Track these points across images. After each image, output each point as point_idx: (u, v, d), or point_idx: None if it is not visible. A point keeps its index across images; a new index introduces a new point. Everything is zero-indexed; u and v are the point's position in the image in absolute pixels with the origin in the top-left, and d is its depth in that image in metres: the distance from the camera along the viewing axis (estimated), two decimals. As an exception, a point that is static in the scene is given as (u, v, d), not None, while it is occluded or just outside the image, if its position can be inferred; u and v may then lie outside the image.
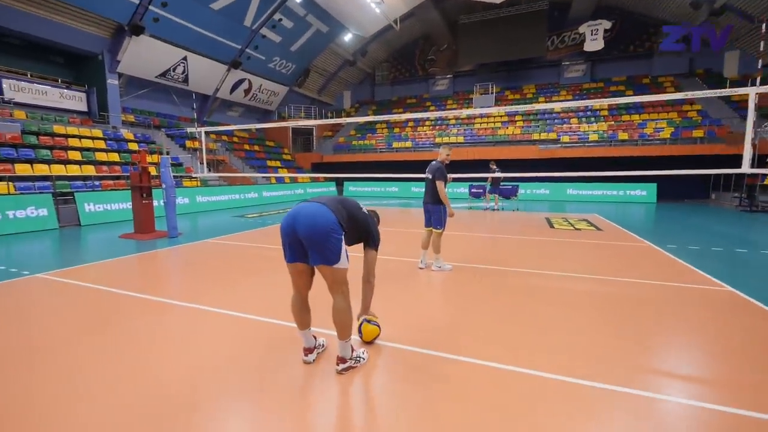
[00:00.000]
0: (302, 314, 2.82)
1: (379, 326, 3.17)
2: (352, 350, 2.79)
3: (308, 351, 2.85)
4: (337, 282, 2.66)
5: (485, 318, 3.79)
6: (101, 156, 14.00)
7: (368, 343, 3.15)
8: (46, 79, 16.33)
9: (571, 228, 9.88)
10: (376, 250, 3.15)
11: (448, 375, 2.70)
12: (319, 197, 2.83)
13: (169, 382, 2.62)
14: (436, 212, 5.58)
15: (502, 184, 15.51)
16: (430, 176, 5.58)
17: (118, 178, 13.31)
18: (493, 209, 14.54)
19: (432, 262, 5.77)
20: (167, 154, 15.99)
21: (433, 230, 5.65)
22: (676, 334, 3.43)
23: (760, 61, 13.86)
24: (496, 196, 14.75)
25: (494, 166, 14.09)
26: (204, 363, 2.87)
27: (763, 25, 13.40)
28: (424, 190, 5.76)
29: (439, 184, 5.47)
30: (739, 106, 21.32)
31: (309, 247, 2.59)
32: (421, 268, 5.73)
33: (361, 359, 2.83)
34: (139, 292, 4.56)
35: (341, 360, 2.71)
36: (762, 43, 12.91)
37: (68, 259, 6.62)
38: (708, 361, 2.96)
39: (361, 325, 3.14)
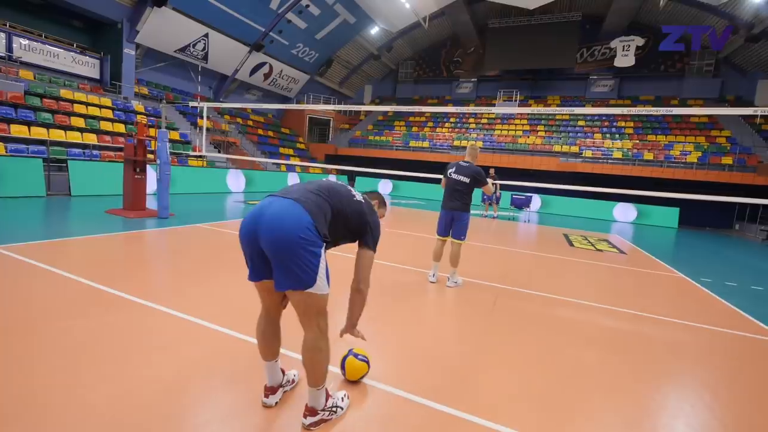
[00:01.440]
0: (267, 341, 2.10)
1: (368, 363, 2.43)
2: (327, 397, 2.04)
3: (270, 391, 2.12)
4: (311, 313, 1.88)
5: (505, 359, 3.04)
6: (106, 126, 13.49)
7: (352, 382, 2.43)
8: (61, 42, 15.90)
9: (592, 248, 9.10)
10: (374, 249, 2.28)
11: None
12: (289, 187, 2.06)
13: (77, 416, 1.96)
14: (462, 220, 4.93)
15: (515, 193, 15.38)
16: (467, 180, 4.86)
17: (119, 149, 12.75)
18: (493, 217, 14.50)
19: (447, 275, 5.06)
20: (170, 129, 15.44)
21: (454, 241, 4.98)
22: (733, 397, 2.69)
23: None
24: (495, 204, 14.62)
25: (493, 172, 13.59)
26: (134, 394, 2.18)
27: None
28: (448, 193, 4.97)
29: (487, 189, 5.12)
30: (769, 135, 20.40)
31: (273, 261, 1.83)
32: (432, 282, 5.03)
33: (338, 410, 2.07)
34: (95, 281, 3.88)
35: (310, 411, 1.96)
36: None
37: (37, 231, 6.00)
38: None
39: (345, 358, 2.42)
